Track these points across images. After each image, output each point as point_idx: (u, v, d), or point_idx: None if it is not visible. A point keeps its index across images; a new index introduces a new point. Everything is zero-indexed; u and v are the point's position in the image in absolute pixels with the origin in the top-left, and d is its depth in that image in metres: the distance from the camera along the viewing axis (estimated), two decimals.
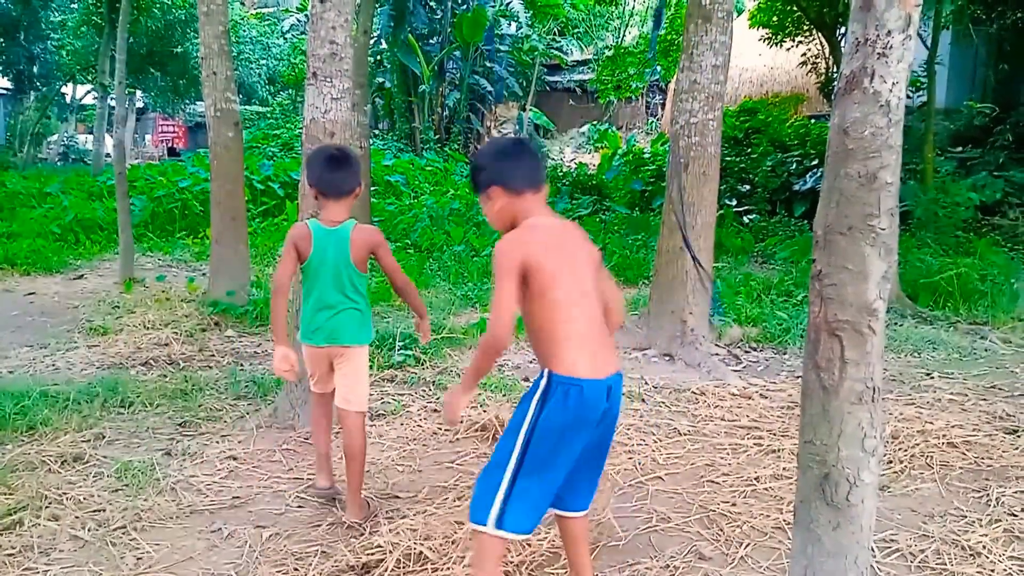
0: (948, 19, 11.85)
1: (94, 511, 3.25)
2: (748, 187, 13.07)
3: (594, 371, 2.24)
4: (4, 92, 29.70)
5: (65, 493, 3.39)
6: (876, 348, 1.86)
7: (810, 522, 1.96)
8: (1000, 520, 3.28)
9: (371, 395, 4.86)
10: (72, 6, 22.79)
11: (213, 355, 5.76)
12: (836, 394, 1.87)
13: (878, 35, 1.78)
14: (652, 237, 10.00)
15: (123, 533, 3.09)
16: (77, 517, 3.19)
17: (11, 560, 2.86)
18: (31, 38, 24.58)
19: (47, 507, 3.25)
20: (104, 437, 4.08)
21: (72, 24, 21.46)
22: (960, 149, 12.78)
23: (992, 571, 2.89)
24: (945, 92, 14.00)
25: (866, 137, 1.80)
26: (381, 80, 24.34)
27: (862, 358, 1.85)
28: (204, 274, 8.34)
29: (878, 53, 1.78)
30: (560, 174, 16.32)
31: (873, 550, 2.93)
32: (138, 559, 2.91)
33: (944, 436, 4.17)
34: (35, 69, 26.46)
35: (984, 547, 3.05)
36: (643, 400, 4.89)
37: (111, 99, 19.18)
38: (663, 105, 22.57)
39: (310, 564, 2.89)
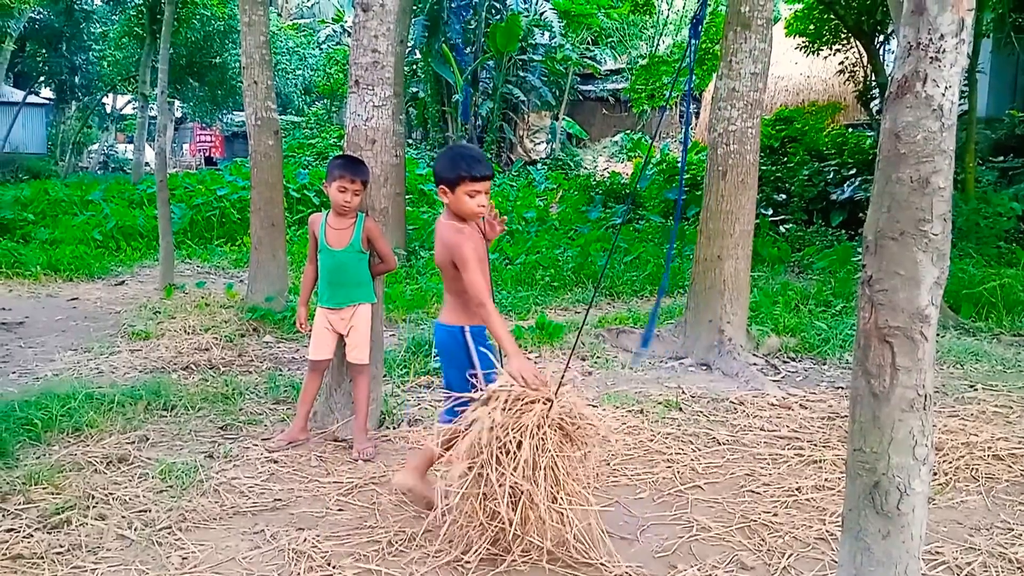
0: (989, 27, 11.71)
1: (140, 511, 3.30)
2: (784, 196, 12.95)
3: None
4: (46, 102, 30.38)
5: (111, 493, 3.44)
6: (927, 355, 1.83)
7: (859, 531, 1.93)
8: None
9: (408, 402, 4.91)
10: (114, 18, 23.24)
11: (252, 360, 5.83)
12: (887, 401, 1.85)
13: (931, 39, 1.76)
14: (688, 246, 9.94)
15: (168, 533, 3.13)
16: (123, 517, 3.24)
17: (60, 558, 2.91)
18: (73, 49, 25.14)
19: (94, 507, 3.31)
20: (148, 439, 4.14)
21: (114, 35, 21.90)
22: (1001, 159, 12.56)
23: None
24: (986, 101, 13.82)
25: (918, 141, 1.78)
26: (415, 90, 24.50)
27: (913, 365, 1.82)
28: (242, 280, 8.44)
29: (931, 57, 1.76)
30: (593, 183, 16.29)
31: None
32: (183, 559, 2.95)
33: (989, 448, 4.10)
34: (77, 79, 27.09)
35: None
36: (680, 409, 4.86)
37: (152, 109, 19.55)
38: (697, 114, 22.45)
39: (351, 567, 2.91)
